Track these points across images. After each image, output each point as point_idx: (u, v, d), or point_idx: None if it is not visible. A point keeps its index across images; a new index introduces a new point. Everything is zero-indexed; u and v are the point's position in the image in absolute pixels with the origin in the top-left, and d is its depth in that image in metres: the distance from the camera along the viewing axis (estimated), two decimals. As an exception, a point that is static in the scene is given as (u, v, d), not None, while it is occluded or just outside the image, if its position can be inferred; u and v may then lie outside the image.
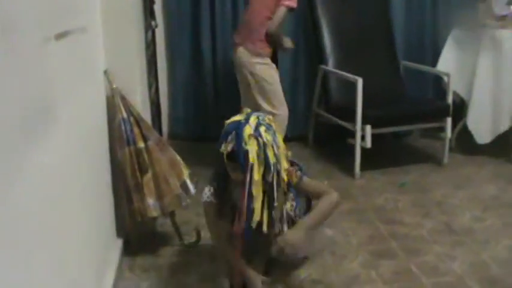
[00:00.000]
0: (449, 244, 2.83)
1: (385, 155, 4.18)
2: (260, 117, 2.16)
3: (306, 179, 2.27)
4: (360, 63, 4.12)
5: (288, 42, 3.59)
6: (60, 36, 1.75)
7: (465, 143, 4.20)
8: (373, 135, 3.70)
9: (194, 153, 3.92)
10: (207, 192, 2.33)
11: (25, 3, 1.42)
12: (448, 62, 4.25)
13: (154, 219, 2.76)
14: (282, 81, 3.63)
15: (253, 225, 2.12)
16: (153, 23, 3.29)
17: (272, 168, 2.10)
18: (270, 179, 2.11)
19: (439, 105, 4.08)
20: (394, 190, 3.56)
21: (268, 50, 3.50)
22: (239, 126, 2.11)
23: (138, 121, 2.61)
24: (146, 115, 2.88)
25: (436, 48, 4.51)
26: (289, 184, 2.23)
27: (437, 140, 4.23)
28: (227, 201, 2.28)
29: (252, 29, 3.46)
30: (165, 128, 4.19)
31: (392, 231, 2.98)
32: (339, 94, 4.09)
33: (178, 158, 2.73)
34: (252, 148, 2.08)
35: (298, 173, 2.25)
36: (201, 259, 2.68)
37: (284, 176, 2.17)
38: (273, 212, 2.15)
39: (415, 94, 4.43)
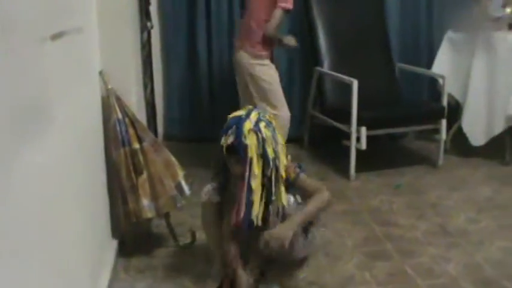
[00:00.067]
0: (444, 246, 2.84)
1: (380, 157, 4.18)
2: (261, 114, 2.24)
3: (303, 176, 2.32)
4: (355, 65, 4.12)
5: (290, 40, 3.59)
6: (55, 36, 1.75)
7: (460, 145, 4.21)
8: (368, 137, 3.70)
9: (189, 155, 3.93)
10: (206, 191, 2.38)
11: (21, 4, 1.41)
12: (443, 64, 4.26)
13: (149, 220, 2.76)
14: (277, 82, 3.64)
15: (253, 218, 2.16)
16: (148, 24, 3.28)
17: (271, 163, 2.16)
18: (269, 174, 2.16)
19: (434, 107, 4.09)
20: (389, 192, 3.57)
21: (267, 52, 3.50)
22: (240, 121, 2.18)
23: (133, 122, 2.61)
24: (141, 116, 2.88)
25: (431, 50, 4.52)
26: (287, 180, 2.26)
27: (432, 142, 4.24)
28: (227, 199, 2.32)
29: (251, 31, 3.47)
30: (160, 129, 4.19)
31: (387, 233, 2.98)
32: (334, 96, 4.10)
33: (173, 159, 2.73)
34: (251, 142, 2.15)
35: (297, 169, 2.31)
36: (196, 260, 2.68)
37: (283, 172, 2.22)
38: (271, 206, 2.20)
39: (410, 96, 4.45)
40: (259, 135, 2.16)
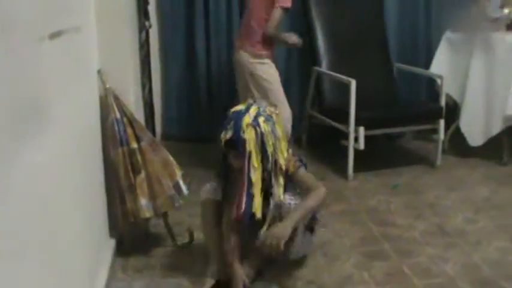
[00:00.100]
0: (442, 246, 2.84)
1: (378, 157, 4.18)
2: (261, 108, 2.28)
3: (302, 171, 2.35)
4: (353, 65, 4.12)
5: (292, 37, 3.59)
6: (54, 35, 1.75)
7: (458, 145, 4.21)
8: (366, 137, 3.70)
9: (187, 154, 3.93)
10: (207, 190, 2.41)
11: (19, 3, 1.41)
12: (441, 65, 4.26)
13: (147, 220, 2.76)
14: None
15: (254, 211, 2.19)
16: (147, 23, 3.28)
17: (270, 157, 2.18)
18: (268, 168, 2.18)
19: (432, 108, 4.10)
20: (387, 192, 3.57)
21: (267, 52, 3.50)
22: (239, 116, 2.22)
23: (131, 121, 2.61)
24: (139, 115, 2.88)
25: (430, 50, 4.53)
26: (286, 173, 2.29)
27: (430, 142, 4.24)
28: (227, 197, 2.34)
29: (251, 31, 3.47)
30: (158, 128, 4.18)
31: (384, 233, 2.99)
32: (333, 96, 4.10)
33: (171, 158, 2.73)
34: (249, 137, 2.18)
35: (297, 163, 2.32)
36: (194, 260, 2.68)
37: (283, 166, 2.25)
38: (270, 199, 2.23)
39: (408, 96, 4.45)
40: (258, 129, 2.19)
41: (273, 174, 2.23)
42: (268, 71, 3.51)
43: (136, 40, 3.02)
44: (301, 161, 2.41)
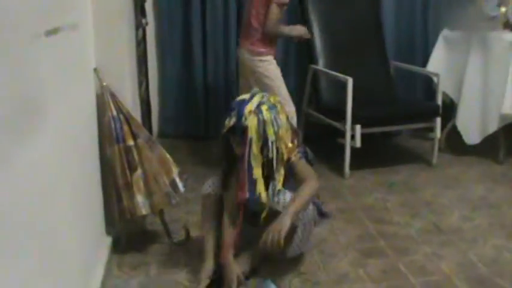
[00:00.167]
0: (438, 243, 2.85)
1: (374, 155, 4.19)
2: (265, 97, 2.32)
3: (302, 162, 2.38)
4: (350, 63, 4.12)
5: (296, 29, 3.57)
6: (50, 32, 1.75)
7: (454, 143, 4.22)
8: (363, 135, 3.71)
9: (184, 152, 3.93)
10: (208, 185, 2.45)
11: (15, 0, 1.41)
12: (438, 63, 4.27)
13: (144, 217, 2.76)
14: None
15: (257, 194, 2.26)
16: (143, 20, 3.28)
17: (270, 144, 2.21)
18: (269, 155, 2.23)
19: (429, 106, 4.10)
20: (384, 190, 3.58)
21: (268, 49, 3.49)
22: (242, 103, 2.28)
23: (128, 119, 2.61)
24: (136, 113, 2.88)
25: (426, 48, 4.54)
26: (288, 162, 2.34)
27: (426, 140, 4.25)
28: (229, 192, 2.37)
29: (251, 29, 3.47)
30: (155, 126, 4.18)
31: (381, 231, 2.99)
32: (329, 94, 4.10)
33: (168, 156, 2.73)
34: (251, 124, 2.23)
35: (298, 154, 2.37)
36: (190, 257, 2.68)
37: (285, 155, 2.27)
38: (270, 185, 2.26)
39: (404, 94, 4.45)
40: (260, 116, 2.23)
41: (274, 162, 2.26)
42: (269, 67, 3.51)
43: (133, 38, 3.01)
44: (305, 152, 2.44)
